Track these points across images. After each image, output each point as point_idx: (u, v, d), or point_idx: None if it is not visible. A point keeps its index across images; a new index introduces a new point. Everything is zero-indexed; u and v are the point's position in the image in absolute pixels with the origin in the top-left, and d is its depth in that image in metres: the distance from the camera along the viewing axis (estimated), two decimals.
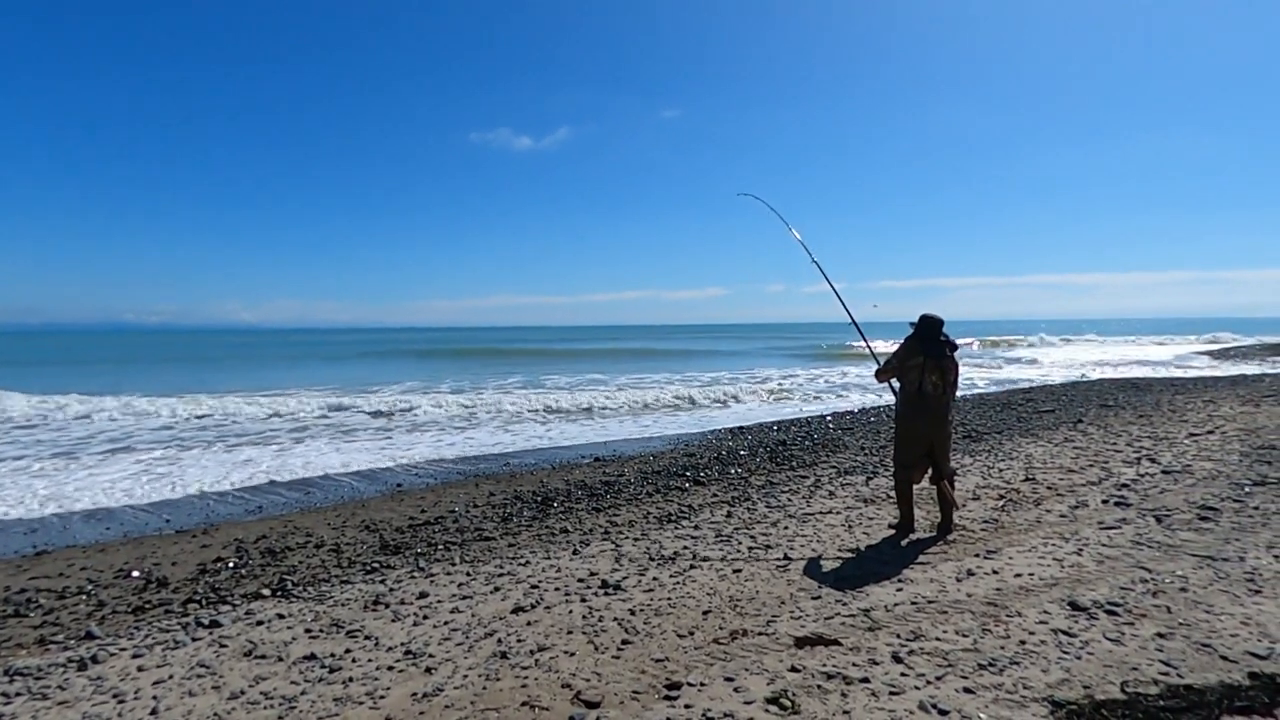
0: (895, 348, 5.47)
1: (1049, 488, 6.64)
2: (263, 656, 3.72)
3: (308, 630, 4.04)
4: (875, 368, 5.61)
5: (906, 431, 5.32)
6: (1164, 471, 7.01)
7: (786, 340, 70.92)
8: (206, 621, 4.27)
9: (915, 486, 5.44)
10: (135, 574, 5.54)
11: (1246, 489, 6.13)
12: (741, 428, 13.20)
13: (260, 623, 4.23)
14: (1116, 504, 5.90)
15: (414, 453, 11.21)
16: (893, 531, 5.44)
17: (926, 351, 5.21)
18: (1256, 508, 5.54)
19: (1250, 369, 23.05)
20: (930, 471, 5.34)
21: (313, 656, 3.67)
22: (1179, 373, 22.46)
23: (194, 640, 3.99)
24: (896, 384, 5.48)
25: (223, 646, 3.88)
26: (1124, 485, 6.54)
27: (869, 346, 6.30)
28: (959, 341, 5.38)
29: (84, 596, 5.05)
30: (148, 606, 4.80)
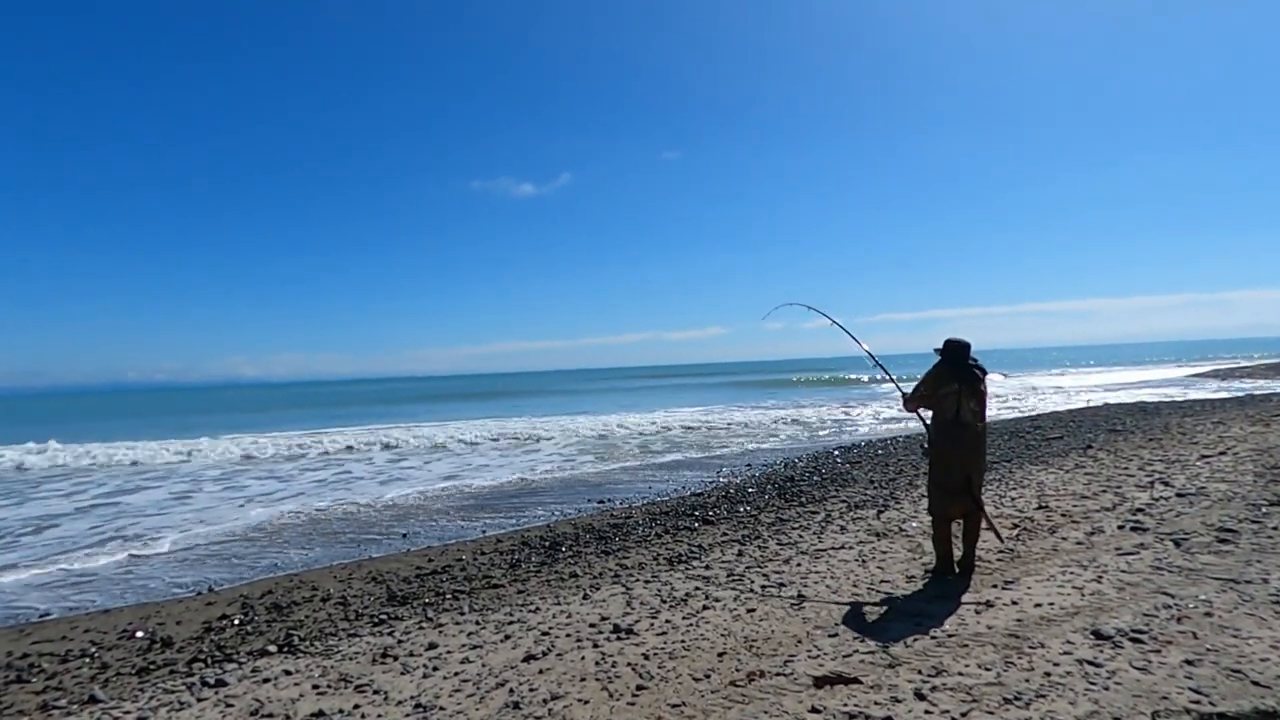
0: (921, 376, 5.06)
1: (1063, 515, 6.55)
2: (270, 715, 3.63)
3: (315, 686, 3.96)
4: (902, 396, 5.21)
5: (945, 463, 4.88)
6: (1178, 495, 6.92)
7: (788, 376, 70.82)
8: (212, 681, 4.18)
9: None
10: (139, 634, 5.45)
11: (1264, 509, 6.04)
12: (748, 465, 13.11)
13: (267, 680, 4.15)
14: (1133, 529, 5.81)
15: None
16: (922, 569, 5.14)
17: (960, 377, 4.85)
18: (1276, 528, 5.45)
19: (1257, 389, 22.94)
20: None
21: (321, 714, 3.58)
22: (1186, 395, 22.34)
23: (199, 700, 3.91)
24: (927, 414, 5.10)
25: (229, 706, 3.79)
26: (1139, 510, 6.45)
27: (894, 381, 5.92)
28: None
29: (87, 659, 4.97)
30: (152, 667, 4.72)
